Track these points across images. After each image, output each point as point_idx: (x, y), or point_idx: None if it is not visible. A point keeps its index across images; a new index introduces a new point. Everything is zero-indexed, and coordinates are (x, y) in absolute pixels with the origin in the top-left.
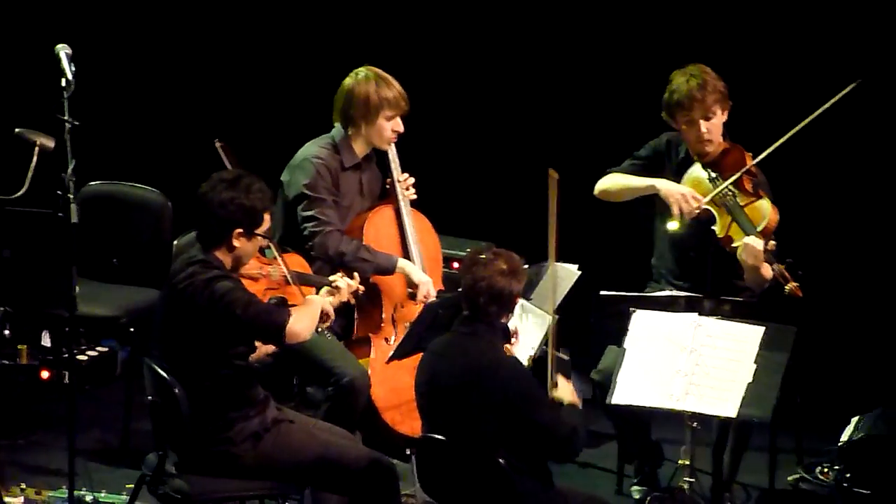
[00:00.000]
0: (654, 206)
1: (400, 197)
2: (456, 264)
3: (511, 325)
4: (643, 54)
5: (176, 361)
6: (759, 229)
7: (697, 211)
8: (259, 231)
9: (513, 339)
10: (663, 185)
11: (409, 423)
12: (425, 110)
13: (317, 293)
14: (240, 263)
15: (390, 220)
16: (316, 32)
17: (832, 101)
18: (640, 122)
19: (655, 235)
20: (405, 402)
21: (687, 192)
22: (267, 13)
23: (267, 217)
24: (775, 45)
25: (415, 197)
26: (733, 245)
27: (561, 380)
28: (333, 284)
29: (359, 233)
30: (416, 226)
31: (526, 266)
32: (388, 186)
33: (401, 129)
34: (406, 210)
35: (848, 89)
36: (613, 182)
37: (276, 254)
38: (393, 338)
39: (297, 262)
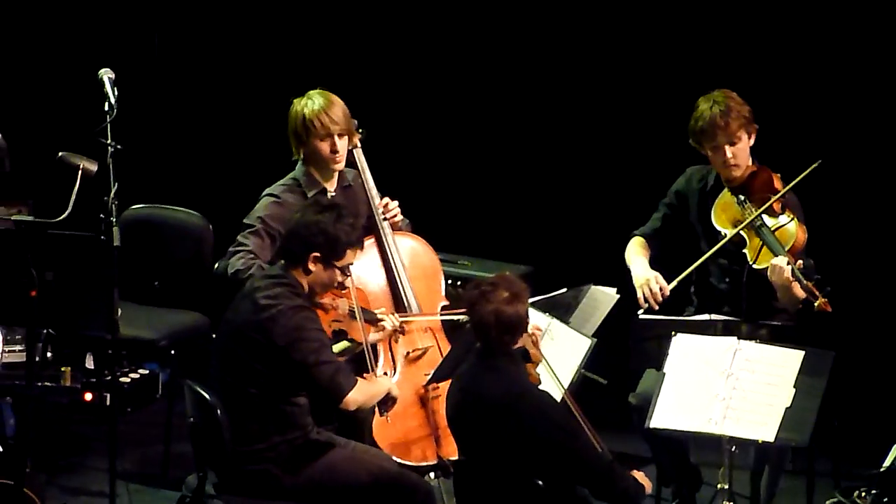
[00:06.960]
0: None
1: (379, 225)
2: None
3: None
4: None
5: (232, 377)
6: (786, 249)
7: (661, 297)
8: (338, 263)
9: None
10: (634, 272)
11: (419, 453)
12: (461, 136)
13: (374, 327)
14: (314, 293)
15: (371, 251)
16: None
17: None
18: (666, 139)
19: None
20: (414, 440)
21: (651, 277)
22: (289, 36)
23: (350, 253)
24: (794, 67)
25: (399, 220)
26: (763, 266)
27: None
28: (381, 322)
29: None
30: (407, 249)
31: (565, 290)
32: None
33: (338, 149)
34: (388, 237)
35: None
36: (627, 253)
37: (351, 286)
38: (394, 372)
39: (361, 298)
